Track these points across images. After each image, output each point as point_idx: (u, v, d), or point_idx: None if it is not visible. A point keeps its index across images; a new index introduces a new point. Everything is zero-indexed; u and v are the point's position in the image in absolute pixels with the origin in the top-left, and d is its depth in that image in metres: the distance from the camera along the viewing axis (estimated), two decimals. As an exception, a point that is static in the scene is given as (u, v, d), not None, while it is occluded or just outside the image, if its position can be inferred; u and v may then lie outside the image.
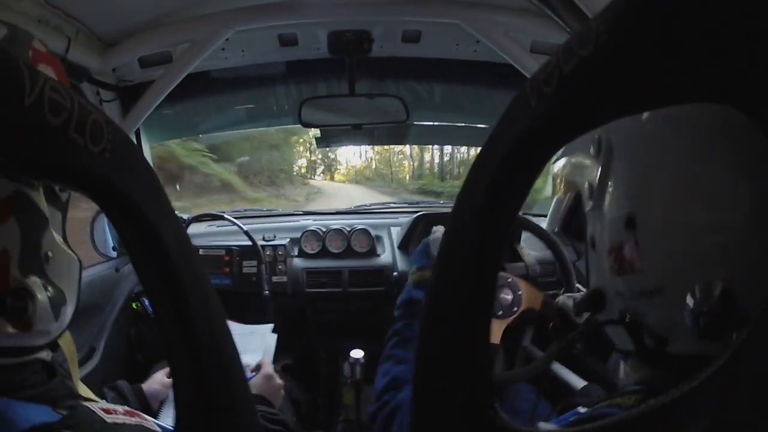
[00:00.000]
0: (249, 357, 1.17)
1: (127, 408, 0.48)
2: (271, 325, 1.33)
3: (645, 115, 0.39)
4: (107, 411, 0.45)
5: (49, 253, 0.45)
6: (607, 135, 0.42)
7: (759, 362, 0.26)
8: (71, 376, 0.50)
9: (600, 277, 0.44)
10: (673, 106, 0.30)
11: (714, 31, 0.23)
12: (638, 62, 0.25)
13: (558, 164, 0.56)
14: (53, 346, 0.47)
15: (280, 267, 1.61)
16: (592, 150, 0.44)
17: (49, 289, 0.44)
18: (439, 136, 2.52)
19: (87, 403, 0.45)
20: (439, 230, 1.19)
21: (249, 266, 1.59)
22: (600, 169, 0.43)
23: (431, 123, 2.09)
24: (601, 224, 0.43)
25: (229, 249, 1.59)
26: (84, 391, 0.51)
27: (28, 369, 0.43)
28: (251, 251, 1.56)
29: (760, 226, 0.32)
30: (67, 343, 0.51)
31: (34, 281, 0.43)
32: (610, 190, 0.42)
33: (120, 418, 0.45)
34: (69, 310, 0.47)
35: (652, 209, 0.37)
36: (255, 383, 1.00)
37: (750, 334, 0.26)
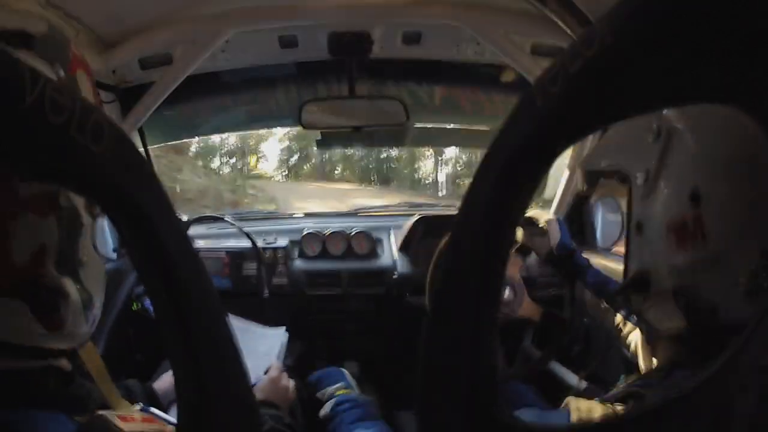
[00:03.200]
0: (260, 360, 1.17)
1: (144, 414, 0.48)
2: (283, 328, 1.32)
3: (708, 108, 0.41)
4: (124, 419, 0.44)
5: (84, 258, 0.45)
6: (667, 124, 0.45)
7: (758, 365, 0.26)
8: (91, 387, 0.49)
9: (650, 258, 0.47)
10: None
11: (718, 32, 0.23)
12: (643, 63, 0.25)
13: (586, 154, 0.59)
14: (73, 356, 0.47)
15: (280, 269, 1.61)
16: (650, 138, 0.46)
17: (82, 292, 0.44)
18: (439, 139, 2.53)
19: (104, 411, 0.44)
20: None
21: (249, 268, 1.59)
22: (659, 153, 0.45)
23: (431, 125, 2.10)
24: (656, 205, 0.46)
25: (229, 251, 1.59)
26: (118, 404, 0.49)
27: (43, 376, 0.42)
28: (251, 253, 1.56)
29: None
30: (91, 355, 0.50)
31: (68, 282, 0.43)
32: (670, 169, 0.45)
33: (138, 426, 0.45)
34: (96, 317, 0.47)
35: (715, 182, 0.41)
36: (261, 386, 0.99)
37: (756, 326, 0.26)
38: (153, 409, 0.54)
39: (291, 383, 1.04)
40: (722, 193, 0.40)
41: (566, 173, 1.55)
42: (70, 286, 0.43)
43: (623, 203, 0.51)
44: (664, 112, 0.45)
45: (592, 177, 0.67)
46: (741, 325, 0.36)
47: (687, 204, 0.42)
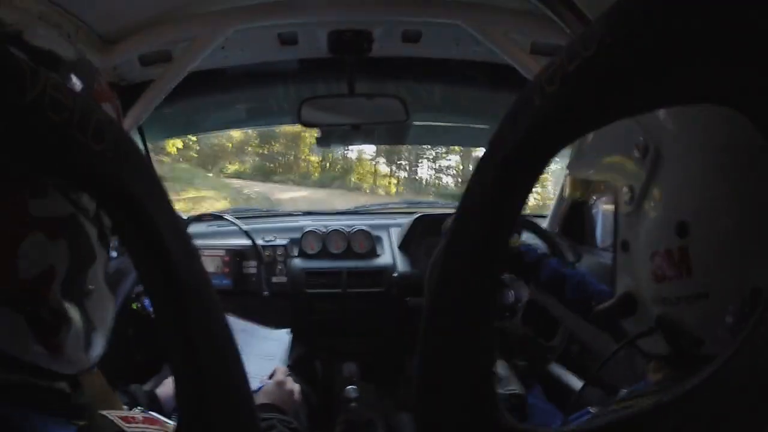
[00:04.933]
0: (264, 362, 1.17)
1: (145, 415, 0.47)
2: (286, 330, 1.32)
3: (699, 126, 0.40)
4: (126, 419, 0.44)
5: (91, 287, 0.45)
6: (655, 141, 0.43)
7: (757, 362, 0.26)
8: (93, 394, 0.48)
9: (634, 281, 0.45)
10: (726, 126, 0.33)
11: (716, 33, 0.23)
12: (641, 63, 0.25)
13: (577, 164, 0.57)
14: (74, 383, 0.46)
15: (279, 267, 1.61)
16: (636, 153, 0.44)
17: (85, 320, 0.44)
18: (439, 137, 2.53)
19: (105, 412, 0.44)
20: None
21: (249, 267, 1.59)
22: (646, 173, 0.43)
23: (431, 123, 2.09)
24: (642, 228, 0.43)
25: (229, 249, 1.59)
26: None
27: (46, 392, 0.42)
28: (251, 251, 1.56)
29: None
30: (93, 383, 0.49)
31: (71, 308, 0.42)
32: (657, 195, 0.42)
33: (140, 428, 0.45)
34: (98, 349, 0.46)
35: (708, 218, 0.38)
36: (266, 390, 0.99)
37: (749, 334, 0.26)
38: (154, 414, 0.54)
39: (296, 387, 1.03)
40: (712, 228, 0.38)
41: (566, 173, 1.55)
42: (73, 313, 0.42)
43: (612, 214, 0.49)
44: (653, 127, 0.43)
45: (580, 185, 0.65)
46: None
47: (673, 236, 0.40)
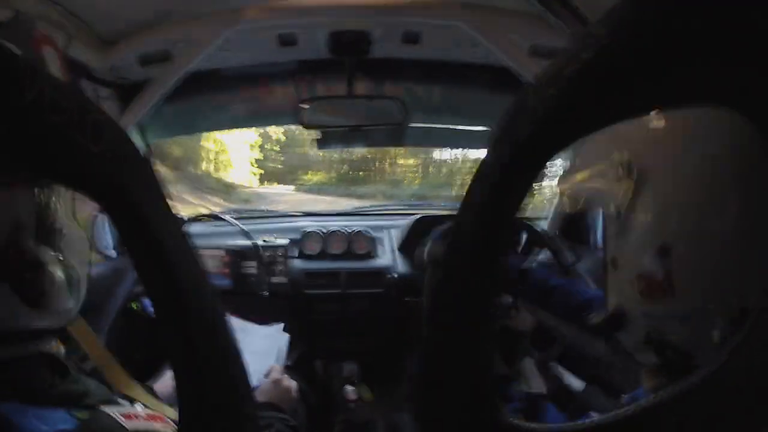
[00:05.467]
0: (260, 360, 1.16)
1: (149, 411, 0.47)
2: (281, 325, 1.32)
3: (682, 150, 0.40)
4: (128, 416, 0.44)
5: (63, 228, 0.44)
6: (638, 160, 0.42)
7: (752, 365, 0.26)
8: (93, 367, 0.47)
9: (623, 297, 0.45)
10: (709, 145, 0.33)
11: (715, 35, 0.23)
12: (640, 64, 0.25)
13: (567, 178, 0.56)
14: (63, 335, 0.45)
15: (279, 268, 1.61)
16: (620, 171, 0.44)
17: (64, 265, 0.43)
18: (438, 139, 2.53)
19: (107, 408, 0.44)
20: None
21: (248, 267, 1.59)
22: (630, 194, 0.43)
23: (430, 125, 2.09)
24: (627, 247, 0.43)
25: (228, 249, 1.59)
26: (118, 375, 0.48)
27: (33, 365, 0.41)
28: (251, 252, 1.56)
29: None
30: (82, 332, 0.48)
31: (50, 255, 0.41)
32: (640, 216, 0.42)
33: (142, 425, 0.44)
34: (82, 293, 0.46)
35: (685, 239, 0.39)
36: (263, 389, 0.99)
37: (744, 339, 0.26)
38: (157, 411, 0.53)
39: (293, 384, 1.03)
40: (693, 251, 0.38)
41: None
42: (50, 259, 0.41)
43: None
44: (637, 146, 0.43)
45: (571, 201, 0.64)
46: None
47: (656, 258, 0.40)
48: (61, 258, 0.43)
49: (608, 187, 0.45)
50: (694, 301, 0.39)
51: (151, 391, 0.94)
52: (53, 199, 0.43)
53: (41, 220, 0.41)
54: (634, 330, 0.44)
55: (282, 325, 1.34)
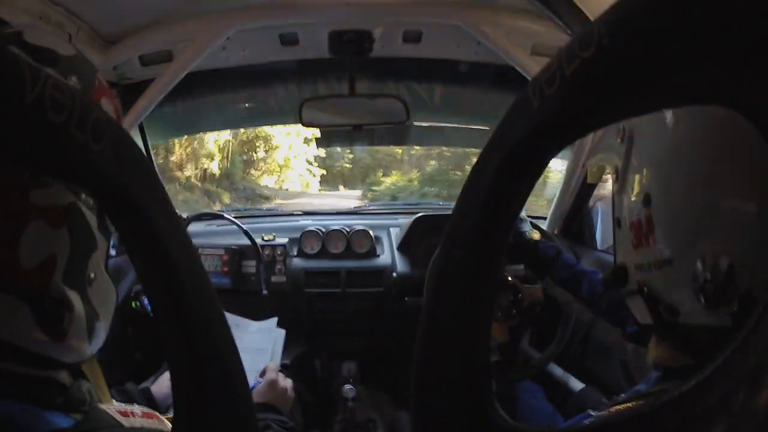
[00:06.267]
0: (255, 358, 1.16)
1: (144, 410, 0.48)
2: (275, 319, 1.32)
3: (664, 113, 0.43)
4: (124, 413, 0.44)
5: (92, 275, 0.45)
6: (629, 125, 0.47)
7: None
8: (89, 387, 0.48)
9: (623, 252, 0.49)
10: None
11: (715, 33, 0.23)
12: (640, 64, 0.25)
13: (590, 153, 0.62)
14: (76, 372, 0.46)
15: (279, 267, 1.61)
16: (618, 137, 0.49)
17: (87, 308, 0.44)
18: (439, 137, 2.53)
19: (103, 406, 0.44)
20: None
21: (248, 266, 1.59)
22: (625, 155, 0.48)
23: (431, 124, 2.10)
24: (625, 203, 0.48)
25: (228, 248, 1.59)
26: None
27: (46, 386, 0.42)
28: (250, 251, 1.56)
29: (764, 212, 0.36)
30: (94, 373, 0.49)
31: (74, 296, 0.43)
32: (631, 174, 0.47)
33: (138, 422, 0.45)
34: (101, 336, 0.46)
35: (664, 189, 0.43)
36: (260, 391, 0.98)
37: (758, 321, 0.26)
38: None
39: (289, 383, 1.02)
40: (669, 200, 0.42)
41: (565, 173, 1.55)
42: (75, 300, 0.43)
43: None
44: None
45: (595, 172, 0.70)
46: (703, 329, 0.39)
47: (641, 206, 0.44)
48: (85, 303, 0.44)
49: (612, 152, 0.50)
50: (670, 248, 0.42)
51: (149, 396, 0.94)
52: (89, 247, 0.45)
53: (72, 263, 0.42)
54: (631, 284, 0.48)
55: (275, 319, 1.32)
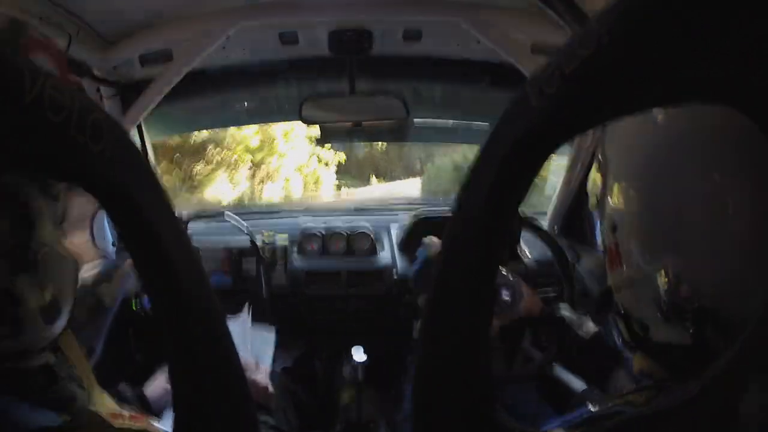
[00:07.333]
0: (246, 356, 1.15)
1: (132, 413, 0.48)
2: (245, 313, 1.30)
3: (625, 136, 0.45)
4: (114, 416, 0.44)
5: (39, 254, 0.42)
6: (604, 151, 0.49)
7: (758, 365, 0.26)
8: (78, 379, 0.48)
9: (608, 275, 0.51)
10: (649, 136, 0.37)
11: (715, 33, 0.23)
12: (640, 63, 0.25)
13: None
14: (53, 348, 0.45)
15: (279, 267, 1.60)
16: (597, 164, 0.50)
17: (39, 292, 0.42)
18: (439, 135, 2.53)
19: (95, 409, 0.44)
20: (433, 244, 1.21)
21: (248, 266, 1.59)
22: (599, 184, 0.50)
23: (431, 121, 2.09)
24: (603, 230, 0.50)
25: (228, 248, 1.59)
26: (99, 395, 0.48)
27: (30, 374, 0.42)
28: (251, 250, 1.56)
29: (719, 227, 0.37)
30: (69, 345, 0.48)
31: (23, 284, 0.41)
32: (605, 199, 0.49)
33: (126, 423, 0.45)
34: (63, 313, 0.45)
35: (626, 217, 0.45)
36: None
37: (749, 335, 0.26)
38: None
39: (267, 380, 0.99)
40: (630, 226, 0.44)
41: (565, 172, 1.55)
42: (25, 289, 0.41)
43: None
44: (607, 137, 0.48)
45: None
46: (671, 346, 0.41)
47: (610, 233, 0.47)
48: (37, 286, 0.42)
49: (595, 177, 0.51)
50: (632, 271, 0.44)
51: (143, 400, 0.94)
52: (28, 224, 0.42)
53: (13, 249, 0.40)
54: (614, 305, 0.50)
55: (246, 310, 1.28)
